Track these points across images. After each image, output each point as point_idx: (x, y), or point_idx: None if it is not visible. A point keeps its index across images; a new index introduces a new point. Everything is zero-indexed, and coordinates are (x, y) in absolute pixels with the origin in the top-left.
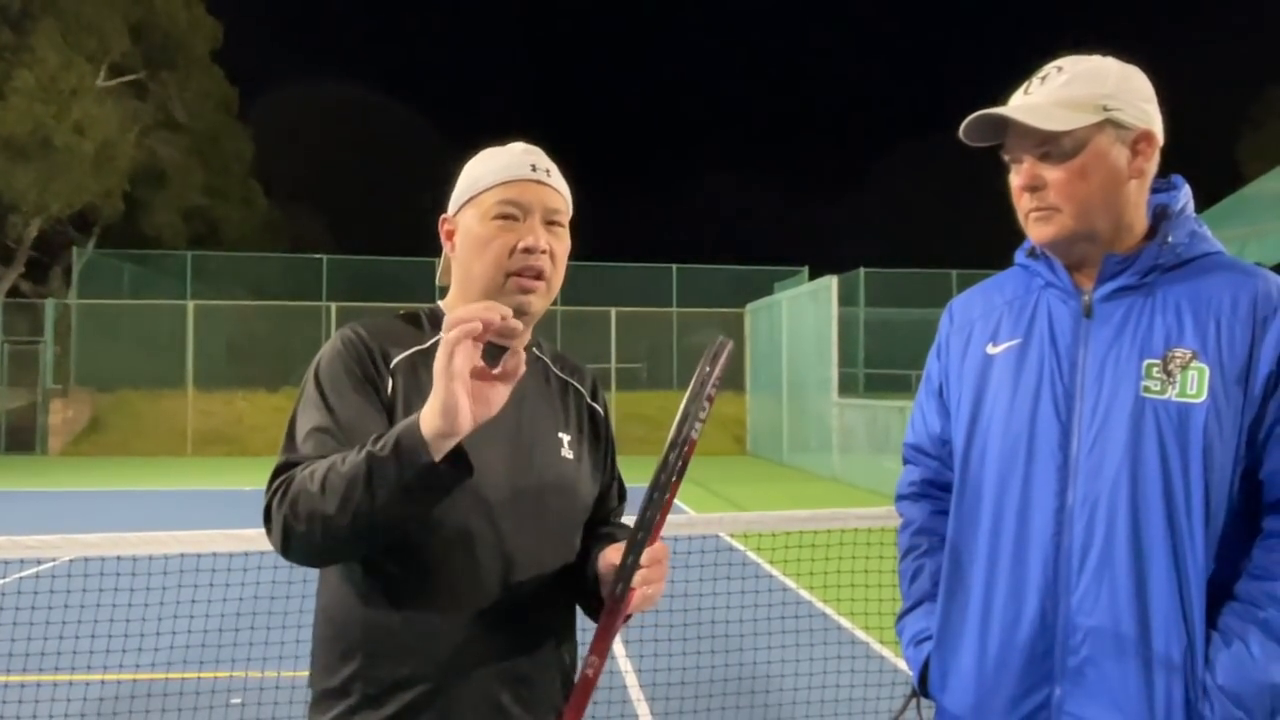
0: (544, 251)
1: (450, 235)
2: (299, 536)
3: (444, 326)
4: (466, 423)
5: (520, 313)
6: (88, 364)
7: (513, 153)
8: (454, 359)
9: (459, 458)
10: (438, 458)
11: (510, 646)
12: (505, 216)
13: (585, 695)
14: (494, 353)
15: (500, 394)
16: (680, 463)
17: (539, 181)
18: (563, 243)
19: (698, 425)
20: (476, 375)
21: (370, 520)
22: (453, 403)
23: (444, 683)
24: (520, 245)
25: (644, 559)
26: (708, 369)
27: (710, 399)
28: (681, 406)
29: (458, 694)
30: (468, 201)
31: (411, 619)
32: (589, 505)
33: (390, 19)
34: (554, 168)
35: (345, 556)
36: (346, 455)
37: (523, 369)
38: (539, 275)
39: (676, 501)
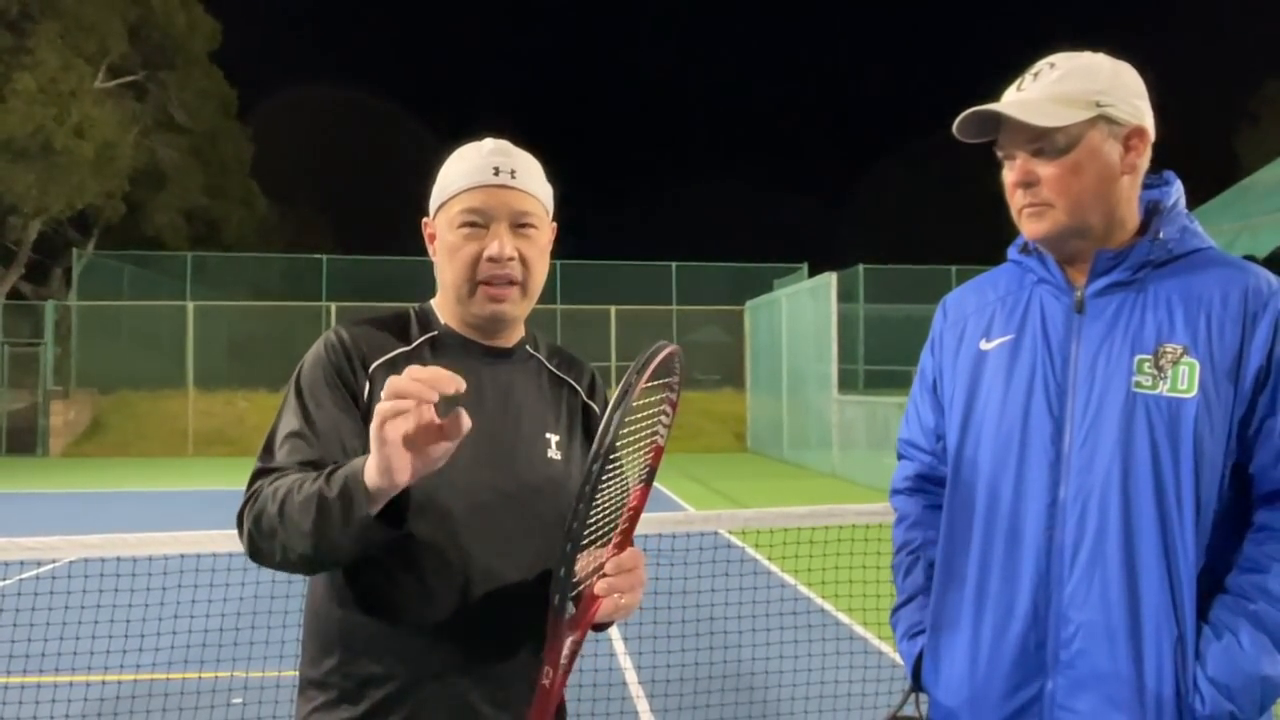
0: (511, 259)
1: (432, 239)
2: (261, 552)
3: (383, 391)
4: (404, 479)
5: (496, 320)
6: (88, 365)
7: (480, 153)
8: (384, 429)
9: (400, 512)
10: (375, 509)
11: (484, 647)
12: (470, 224)
13: (543, 704)
14: (468, 347)
15: (444, 449)
16: (605, 471)
17: (503, 185)
18: (535, 244)
19: (661, 432)
20: (420, 431)
21: (320, 554)
22: (385, 465)
23: (415, 681)
24: (485, 255)
25: (610, 568)
26: (634, 379)
27: (672, 404)
28: (605, 415)
29: (429, 692)
30: (440, 207)
31: (385, 618)
32: None
33: (389, 19)
34: (523, 165)
35: (307, 573)
36: (305, 481)
37: (468, 425)
38: (510, 282)
39: (675, 498)
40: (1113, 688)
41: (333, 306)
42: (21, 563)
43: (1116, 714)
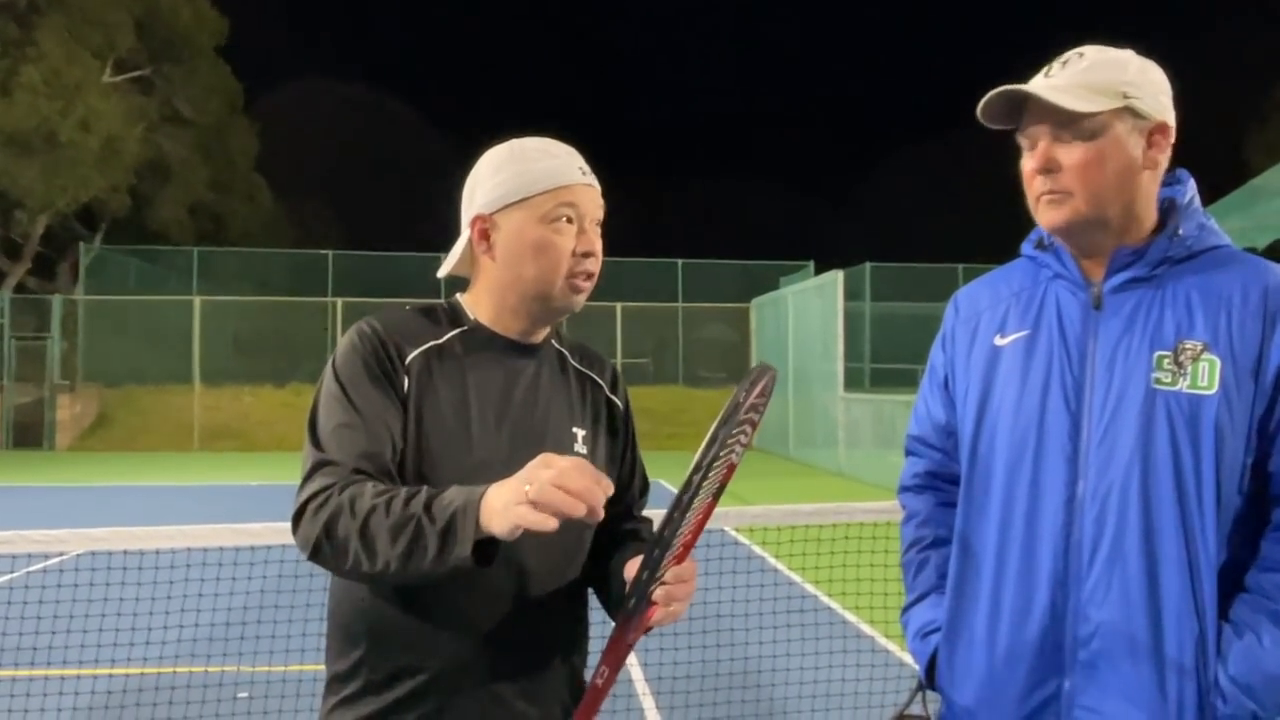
0: (597, 255)
1: (486, 235)
2: (327, 557)
3: (546, 475)
4: (519, 533)
5: (571, 310)
6: (95, 359)
7: (557, 155)
8: (534, 516)
9: (492, 550)
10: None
11: (513, 639)
12: (565, 219)
13: (594, 704)
14: (497, 341)
15: (554, 522)
16: (704, 483)
17: (590, 185)
18: (601, 242)
19: (738, 450)
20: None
21: (397, 576)
22: (514, 532)
23: (444, 673)
24: (580, 250)
25: (670, 576)
26: (743, 396)
27: (754, 424)
28: (711, 430)
29: (458, 684)
30: (515, 203)
31: (413, 610)
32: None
33: (396, 14)
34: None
35: (363, 583)
36: (395, 500)
37: (600, 515)
38: (589, 275)
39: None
40: (1133, 686)
41: (339, 302)
42: (29, 556)
43: (1137, 713)
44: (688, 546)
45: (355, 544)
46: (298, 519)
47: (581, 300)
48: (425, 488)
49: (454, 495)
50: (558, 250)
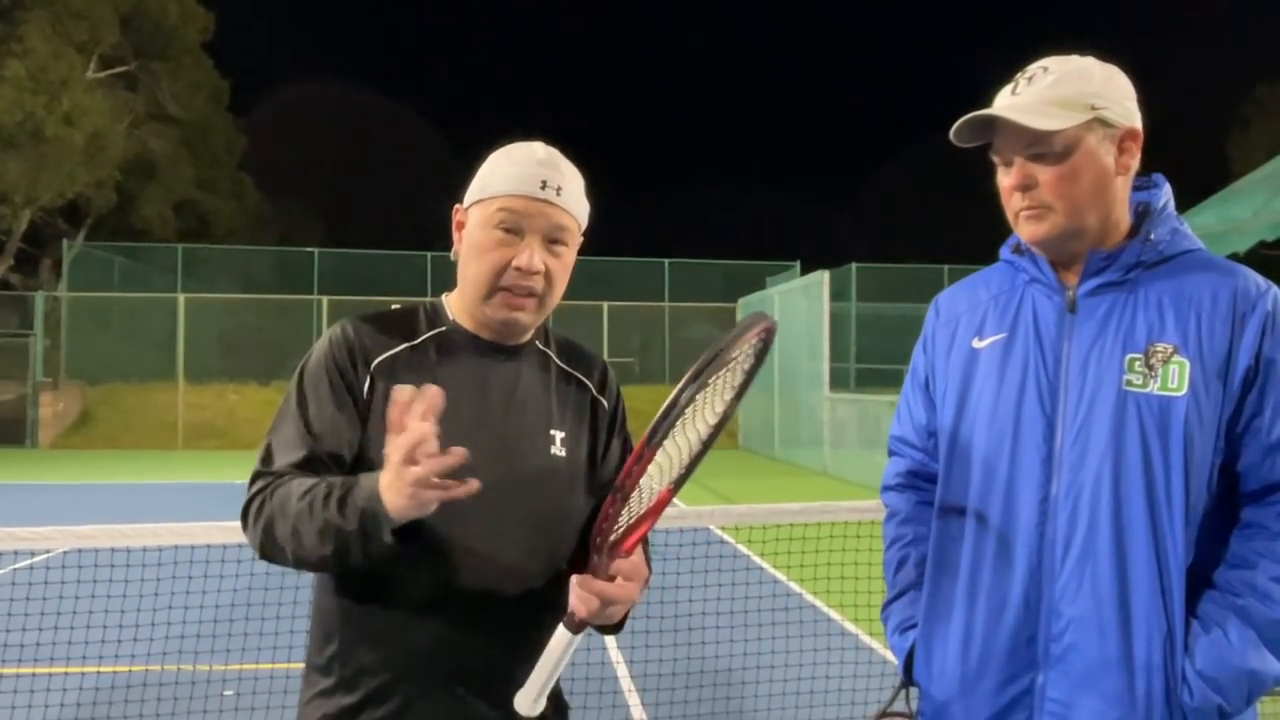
0: (537, 272)
1: (460, 227)
2: (271, 555)
3: (410, 475)
4: (433, 507)
5: (509, 326)
6: (78, 357)
7: (529, 162)
8: (413, 476)
9: (416, 530)
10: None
11: (481, 642)
12: (505, 229)
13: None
14: (475, 343)
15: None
16: (671, 430)
17: (546, 201)
18: (562, 261)
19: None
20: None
21: (340, 568)
22: (421, 503)
23: (408, 672)
24: (514, 264)
25: (615, 571)
26: (731, 348)
27: (747, 375)
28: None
29: (421, 683)
30: (477, 202)
31: (380, 608)
32: (583, 501)
33: (382, 12)
34: (569, 183)
35: (320, 572)
36: (315, 501)
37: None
38: (530, 294)
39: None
40: (1103, 681)
41: (324, 300)
42: (15, 553)
43: (1106, 707)
44: (660, 505)
45: (290, 543)
46: (244, 519)
47: (522, 318)
48: (342, 480)
49: (360, 490)
50: (493, 258)
